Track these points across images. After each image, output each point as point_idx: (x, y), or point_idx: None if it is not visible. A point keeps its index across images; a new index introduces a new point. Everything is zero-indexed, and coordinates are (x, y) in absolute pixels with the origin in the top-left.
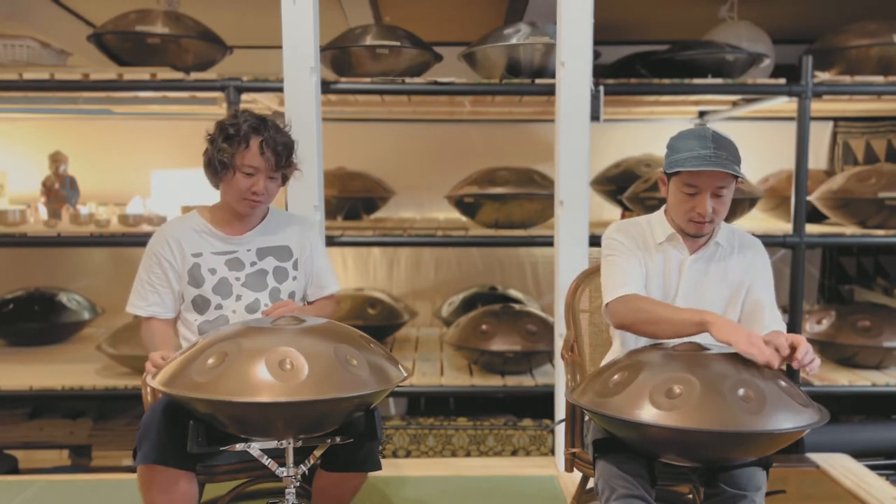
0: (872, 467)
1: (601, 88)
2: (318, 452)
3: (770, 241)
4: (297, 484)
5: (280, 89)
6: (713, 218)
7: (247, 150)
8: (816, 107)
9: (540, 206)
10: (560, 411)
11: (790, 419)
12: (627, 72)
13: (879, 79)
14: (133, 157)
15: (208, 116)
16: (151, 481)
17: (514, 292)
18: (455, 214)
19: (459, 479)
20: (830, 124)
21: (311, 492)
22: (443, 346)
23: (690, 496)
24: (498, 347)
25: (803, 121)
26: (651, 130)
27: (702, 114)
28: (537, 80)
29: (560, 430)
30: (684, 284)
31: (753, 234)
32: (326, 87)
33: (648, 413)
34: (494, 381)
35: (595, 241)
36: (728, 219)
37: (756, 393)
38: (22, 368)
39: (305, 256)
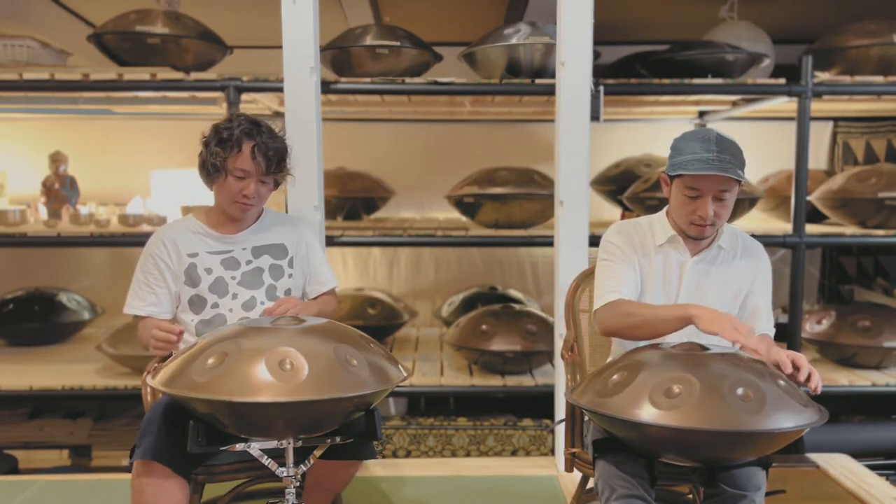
0: (872, 467)
1: (601, 88)
2: (318, 452)
3: (770, 241)
4: (297, 484)
5: (280, 89)
6: (715, 221)
7: (239, 154)
8: (816, 107)
9: (540, 206)
10: (560, 411)
11: (790, 419)
12: (627, 72)
13: (879, 79)
14: (133, 157)
15: (208, 116)
16: (145, 477)
17: (514, 292)
18: (455, 214)
19: (459, 479)
20: (830, 124)
21: (304, 480)
22: (443, 346)
23: (690, 496)
24: (498, 347)
25: (803, 121)
26: (651, 130)
27: (702, 114)
28: (537, 80)
29: (560, 430)
30: (685, 287)
31: (753, 235)
32: (326, 87)
33: (648, 413)
34: (494, 381)
35: (595, 241)
36: (728, 219)
37: (755, 392)
38: (22, 368)
39: (301, 254)
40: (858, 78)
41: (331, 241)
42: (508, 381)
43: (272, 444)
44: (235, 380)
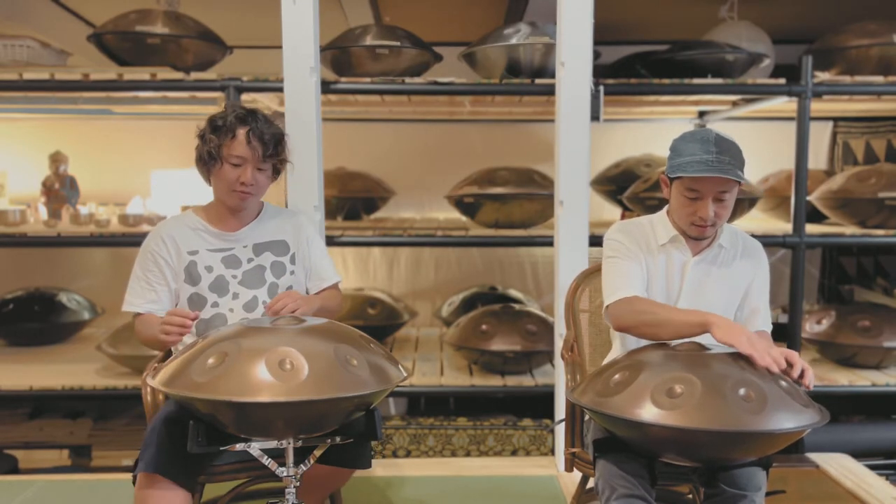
0: (872, 467)
1: (601, 88)
2: (318, 452)
3: (770, 241)
4: (297, 484)
5: (280, 89)
6: (715, 222)
7: (233, 140)
8: (816, 107)
9: (540, 206)
10: (560, 411)
11: (791, 419)
12: (627, 72)
13: (879, 79)
14: (133, 157)
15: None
16: (148, 490)
17: (514, 292)
18: (455, 214)
19: (459, 479)
20: (830, 124)
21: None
22: (443, 346)
23: (690, 496)
24: (498, 347)
25: (803, 121)
26: (651, 130)
27: (702, 114)
28: (537, 80)
29: (560, 430)
30: (687, 286)
31: (753, 235)
32: (326, 87)
33: (650, 412)
34: (494, 381)
35: (595, 241)
36: (728, 219)
37: (757, 393)
38: (22, 368)
39: (302, 250)
40: (858, 78)
41: (331, 241)
42: (508, 381)
43: (272, 444)
44: (235, 380)
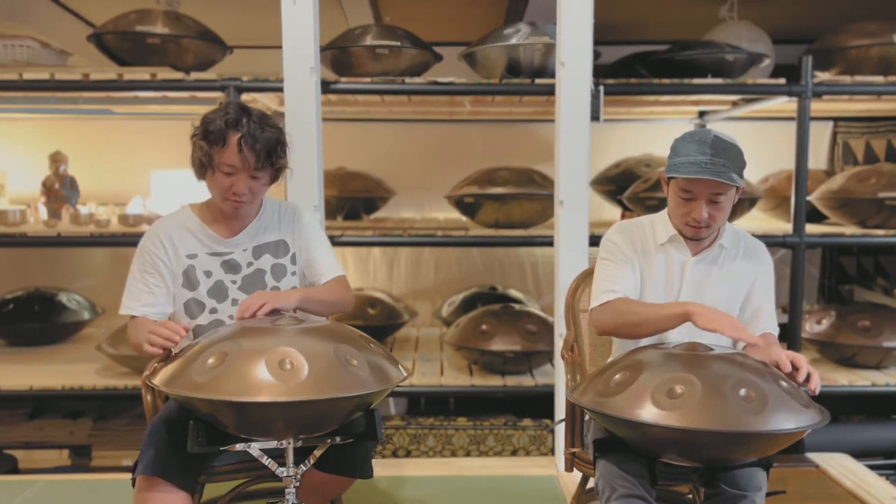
0: (872, 467)
1: (601, 88)
2: (318, 452)
3: (770, 241)
4: (297, 484)
5: (280, 89)
6: (710, 223)
7: (224, 149)
8: (816, 107)
9: (540, 206)
10: (560, 411)
11: (791, 420)
12: (627, 72)
13: (879, 79)
14: (133, 157)
15: None
16: (148, 492)
17: (514, 292)
18: (455, 214)
19: (459, 479)
20: (830, 124)
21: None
22: (443, 346)
23: (690, 496)
24: (498, 347)
25: (803, 121)
26: (651, 130)
27: (702, 114)
28: (537, 80)
29: (560, 430)
30: (686, 286)
31: (754, 235)
32: (326, 87)
33: (650, 413)
34: (494, 381)
35: (595, 241)
36: (728, 218)
37: (757, 393)
38: (22, 368)
39: (303, 246)
40: (858, 78)
41: (331, 241)
42: (508, 381)
43: (272, 444)
44: (235, 380)
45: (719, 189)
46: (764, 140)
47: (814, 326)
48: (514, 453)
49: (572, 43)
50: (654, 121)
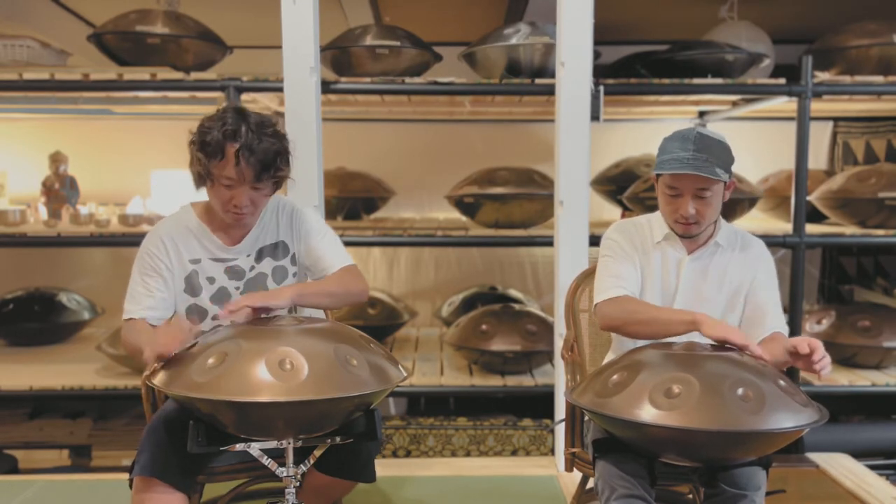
0: (872, 467)
1: (601, 88)
2: (318, 452)
3: (770, 241)
4: (297, 484)
5: (280, 89)
6: (698, 220)
7: (222, 162)
8: (816, 107)
9: (540, 206)
10: (560, 411)
11: (789, 419)
12: (627, 72)
13: (879, 79)
14: (133, 157)
15: None
16: (145, 493)
17: (514, 292)
18: (455, 214)
19: (459, 479)
20: (830, 124)
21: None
22: (443, 346)
23: (690, 496)
24: (498, 347)
25: (803, 121)
26: (651, 130)
27: (702, 114)
28: (537, 80)
29: (560, 430)
30: (683, 284)
31: (753, 234)
32: (326, 87)
33: (648, 413)
34: (494, 381)
35: (595, 241)
36: (728, 219)
37: (755, 392)
38: (22, 368)
39: (302, 245)
40: (858, 78)
41: None
42: (508, 381)
43: (272, 444)
44: (235, 380)
45: (703, 184)
46: (764, 140)
47: (814, 326)
48: (514, 453)
49: (572, 43)
50: (654, 121)
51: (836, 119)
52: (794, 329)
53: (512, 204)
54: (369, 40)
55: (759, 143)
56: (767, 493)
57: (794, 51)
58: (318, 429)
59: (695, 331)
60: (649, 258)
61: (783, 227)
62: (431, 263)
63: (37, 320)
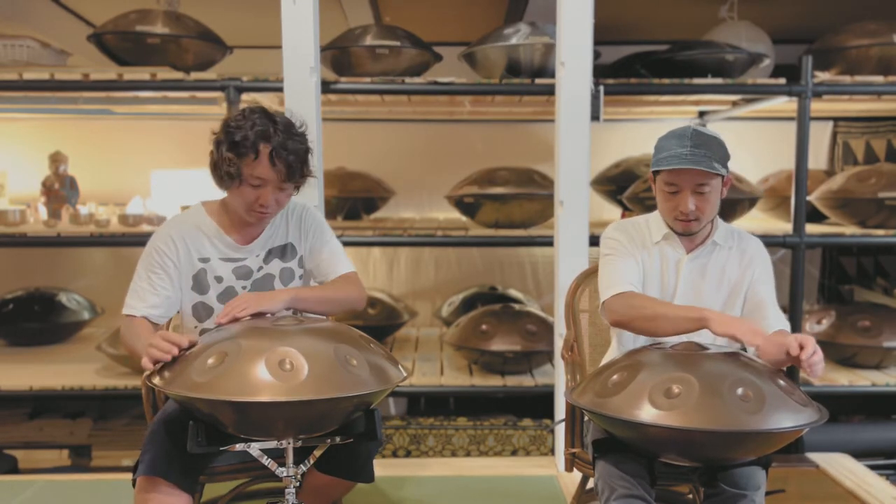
0: (872, 467)
1: (601, 88)
2: (317, 452)
3: (770, 241)
4: (297, 484)
5: (280, 89)
6: (698, 216)
7: (255, 161)
8: (816, 107)
9: (540, 206)
10: (560, 411)
11: (789, 418)
12: (627, 72)
13: (879, 79)
14: (133, 157)
15: (208, 116)
16: (148, 493)
17: (514, 292)
18: (455, 214)
19: (459, 479)
20: (830, 124)
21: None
22: (443, 346)
23: (690, 496)
24: (498, 347)
25: (803, 121)
26: (651, 130)
27: (702, 114)
28: (537, 80)
29: (560, 430)
30: (682, 284)
31: (753, 234)
32: (326, 87)
33: (647, 413)
34: (494, 381)
35: (595, 241)
36: (728, 219)
37: (755, 392)
38: (22, 368)
39: (308, 248)
40: (858, 78)
41: None
42: (508, 381)
43: (272, 444)
44: (235, 380)
45: (703, 179)
46: (764, 140)
47: (814, 326)
48: (514, 453)
49: (572, 43)
50: (654, 121)
51: (836, 119)
52: (795, 329)
53: (512, 204)
54: (369, 40)
55: (759, 143)
56: (767, 493)
57: (794, 51)
58: (318, 429)
59: (703, 328)
60: (649, 257)
61: (783, 227)
62: (431, 263)
63: (37, 320)
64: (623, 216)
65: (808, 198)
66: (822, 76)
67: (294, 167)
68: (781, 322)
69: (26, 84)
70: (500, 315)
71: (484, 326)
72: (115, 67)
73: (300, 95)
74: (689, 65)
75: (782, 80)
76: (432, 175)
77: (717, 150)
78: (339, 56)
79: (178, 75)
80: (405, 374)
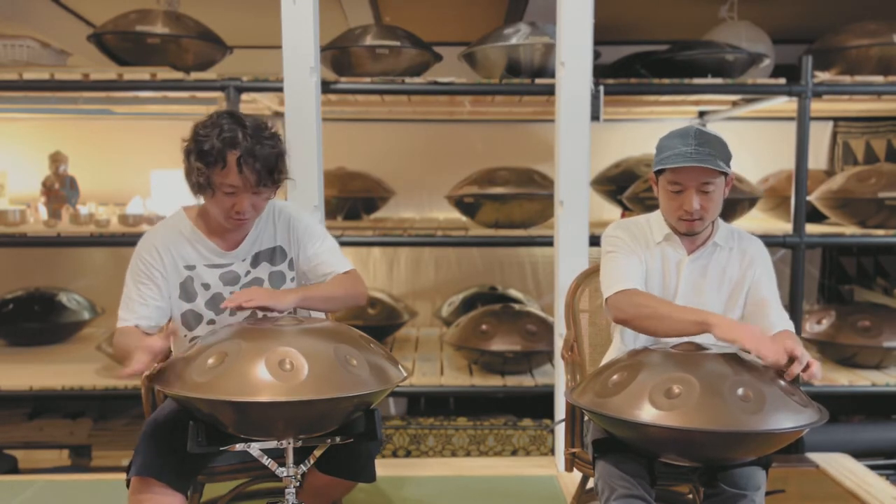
0: (872, 467)
1: (601, 88)
2: (318, 452)
3: (770, 241)
4: (297, 484)
5: (280, 89)
6: (702, 215)
7: (225, 170)
8: (816, 107)
9: (540, 206)
10: (560, 411)
11: (789, 419)
12: (627, 72)
13: (879, 79)
14: (133, 157)
15: None
16: (142, 494)
17: (514, 292)
18: (455, 214)
19: (459, 479)
20: (830, 124)
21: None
22: (443, 346)
23: (690, 496)
24: (498, 347)
25: (803, 121)
26: (651, 130)
27: (702, 114)
28: (537, 80)
29: (560, 430)
30: (683, 285)
31: (753, 235)
32: (326, 87)
33: (648, 413)
34: (494, 381)
35: (595, 241)
36: (728, 219)
37: (755, 393)
38: (22, 368)
39: (299, 250)
40: (858, 78)
41: None
42: (508, 381)
43: (272, 444)
44: (235, 380)
45: (707, 177)
46: (764, 140)
47: (814, 326)
48: (514, 453)
49: (572, 43)
50: (654, 121)
51: (836, 119)
52: (795, 330)
53: (512, 204)
54: (369, 40)
55: (759, 143)
56: (767, 493)
57: (794, 51)
58: (318, 429)
59: (707, 332)
60: (651, 257)
61: (783, 227)
62: (431, 263)
63: (37, 320)
64: (623, 216)
65: (808, 198)
66: (822, 76)
67: (264, 173)
68: (784, 321)
69: (26, 84)
70: (500, 315)
71: (484, 326)
72: (115, 67)
73: (300, 95)
74: (689, 65)
75: (782, 80)
76: (432, 175)
77: (720, 149)
78: (339, 56)
79: (178, 75)
80: (405, 374)
